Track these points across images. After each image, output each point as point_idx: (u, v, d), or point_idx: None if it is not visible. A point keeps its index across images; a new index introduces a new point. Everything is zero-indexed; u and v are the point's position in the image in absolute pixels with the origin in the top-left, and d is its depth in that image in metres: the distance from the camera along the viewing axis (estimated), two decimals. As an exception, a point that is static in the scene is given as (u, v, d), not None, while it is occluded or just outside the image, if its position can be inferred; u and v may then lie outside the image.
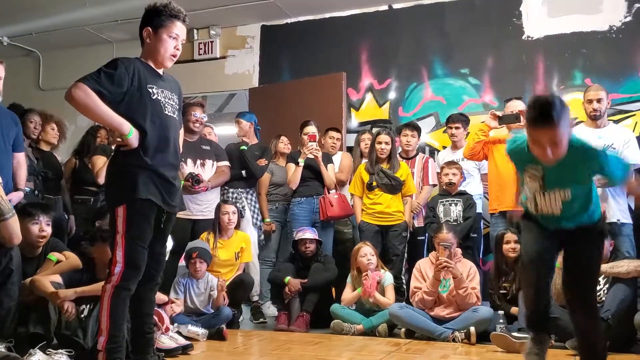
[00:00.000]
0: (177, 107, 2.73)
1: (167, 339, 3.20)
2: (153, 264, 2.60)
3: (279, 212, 5.17)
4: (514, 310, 3.86)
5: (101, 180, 4.34)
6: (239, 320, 4.55)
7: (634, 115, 5.10)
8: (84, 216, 4.72)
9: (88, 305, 2.97)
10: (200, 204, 4.62)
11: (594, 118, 4.11)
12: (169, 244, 4.04)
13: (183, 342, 3.27)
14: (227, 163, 4.85)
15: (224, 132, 7.59)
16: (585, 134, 4.13)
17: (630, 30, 5.19)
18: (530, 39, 5.53)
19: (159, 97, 2.60)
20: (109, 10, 6.22)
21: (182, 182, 4.45)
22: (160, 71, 2.69)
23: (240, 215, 4.83)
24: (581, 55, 5.34)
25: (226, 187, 4.95)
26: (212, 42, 6.61)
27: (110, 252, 2.51)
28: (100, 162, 4.46)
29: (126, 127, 2.47)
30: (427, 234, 4.79)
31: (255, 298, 4.88)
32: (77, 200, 4.88)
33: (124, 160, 2.51)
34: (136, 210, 2.46)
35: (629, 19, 5.20)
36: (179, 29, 2.62)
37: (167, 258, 4.15)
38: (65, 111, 3.82)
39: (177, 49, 2.63)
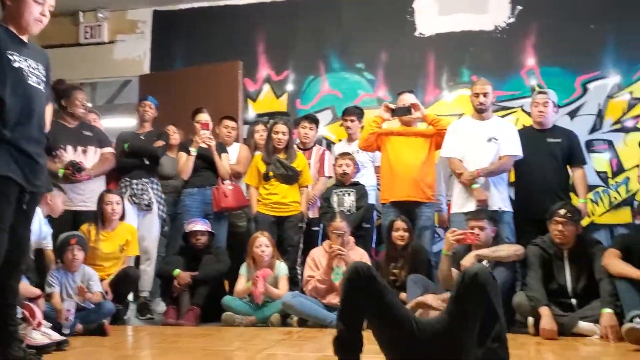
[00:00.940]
0: (43, 78, 2.50)
1: (39, 335, 2.94)
2: (15, 249, 2.36)
3: (169, 205, 4.94)
4: (402, 296, 3.91)
5: None
6: (125, 317, 4.31)
7: (516, 111, 5.39)
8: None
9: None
10: (83, 194, 4.33)
11: (480, 111, 4.28)
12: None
13: (57, 337, 3.02)
14: (111, 150, 4.58)
15: (115, 124, 7.22)
16: (471, 126, 4.31)
17: (514, 30, 5.48)
18: (422, 35, 5.69)
19: (21, 66, 2.37)
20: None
21: (62, 170, 4.18)
22: (25, 38, 2.46)
23: (149, 208, 4.64)
24: (469, 53, 5.57)
25: (128, 179, 4.68)
26: (99, 25, 6.26)
27: None
28: None
29: None
30: (321, 225, 4.78)
31: (145, 294, 4.66)
32: None
33: None
34: None
35: (512, 20, 5.49)
36: None
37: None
38: None
39: (43, 15, 2.42)
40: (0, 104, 2.26)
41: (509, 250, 3.68)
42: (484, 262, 3.56)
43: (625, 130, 5.18)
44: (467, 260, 3.68)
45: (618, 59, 5.25)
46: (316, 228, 4.88)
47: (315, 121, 5.14)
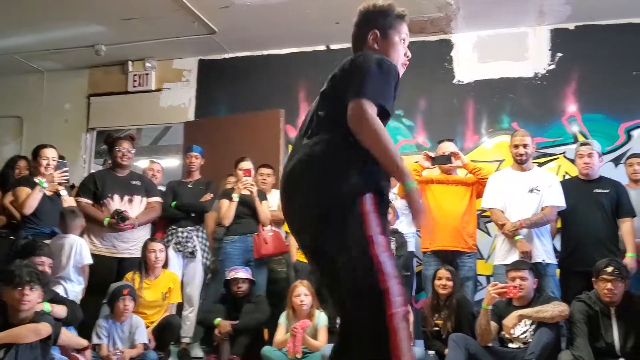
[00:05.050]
0: None
1: (85, 387, 3.03)
2: None
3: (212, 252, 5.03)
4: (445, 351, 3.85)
5: (27, 210, 4.16)
6: (166, 363, 4.37)
7: (558, 158, 5.32)
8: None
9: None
10: (127, 242, 4.45)
11: (520, 162, 4.25)
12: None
13: (102, 389, 3.10)
14: (158, 199, 4.71)
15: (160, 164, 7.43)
16: (512, 176, 4.28)
17: (554, 77, 5.44)
18: (460, 83, 5.70)
19: None
20: (40, 39, 6.03)
21: (107, 219, 4.32)
22: None
23: (192, 256, 4.72)
24: (509, 99, 5.55)
25: (175, 227, 4.80)
26: (147, 74, 6.49)
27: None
28: (24, 194, 4.25)
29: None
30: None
31: (187, 340, 4.71)
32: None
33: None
34: None
35: (552, 67, 5.47)
36: (405, 29, 2.21)
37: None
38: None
39: (407, 56, 2.23)
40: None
41: (554, 311, 3.57)
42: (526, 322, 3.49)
43: (673, 178, 5.03)
44: (510, 321, 3.61)
45: (663, 105, 5.16)
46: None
47: None
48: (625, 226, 4.12)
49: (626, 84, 5.23)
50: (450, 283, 4.10)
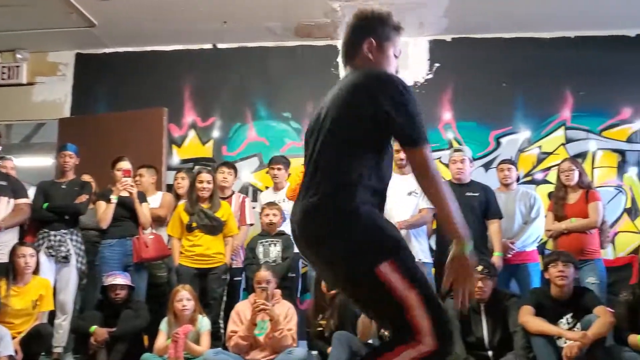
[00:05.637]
0: None
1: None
2: None
3: (87, 255, 4.76)
4: (328, 350, 3.92)
5: None
6: (35, 377, 4.08)
7: (434, 163, 5.61)
8: None
9: None
10: (-7, 246, 4.13)
11: (400, 167, 4.43)
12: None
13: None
14: (27, 200, 4.40)
15: (32, 164, 6.96)
16: (393, 180, 4.44)
17: (432, 86, 5.75)
18: (346, 88, 5.84)
19: None
20: None
21: (-30, 222, 3.98)
22: None
23: (66, 261, 4.42)
24: (391, 106, 5.77)
25: (46, 230, 4.46)
26: (17, 66, 6.06)
27: None
28: None
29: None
30: (244, 275, 4.75)
31: (59, 350, 4.43)
32: None
33: None
34: None
35: (430, 76, 5.78)
36: (399, 44, 2.05)
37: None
38: None
39: (397, 72, 2.04)
40: None
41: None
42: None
43: (536, 182, 5.50)
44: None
45: (528, 115, 5.63)
46: (238, 278, 4.84)
47: (233, 167, 5.13)
48: (493, 227, 4.42)
49: (496, 95, 5.65)
50: (337, 283, 4.18)
